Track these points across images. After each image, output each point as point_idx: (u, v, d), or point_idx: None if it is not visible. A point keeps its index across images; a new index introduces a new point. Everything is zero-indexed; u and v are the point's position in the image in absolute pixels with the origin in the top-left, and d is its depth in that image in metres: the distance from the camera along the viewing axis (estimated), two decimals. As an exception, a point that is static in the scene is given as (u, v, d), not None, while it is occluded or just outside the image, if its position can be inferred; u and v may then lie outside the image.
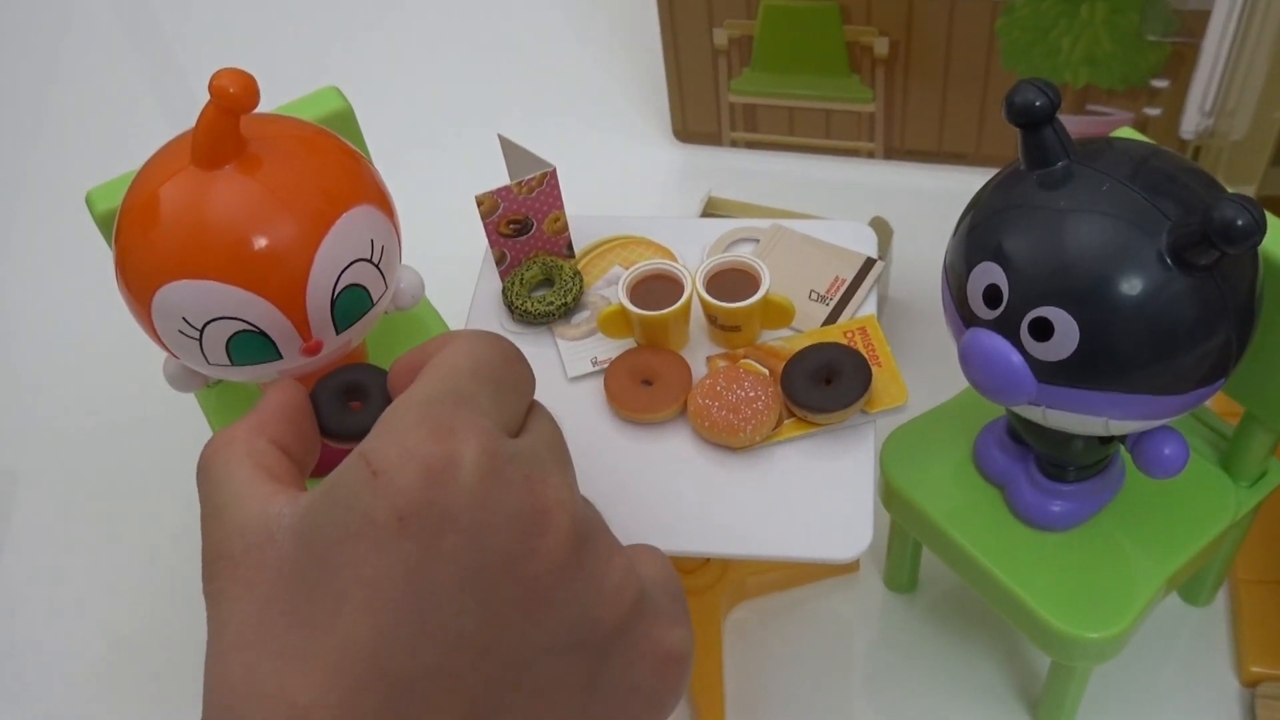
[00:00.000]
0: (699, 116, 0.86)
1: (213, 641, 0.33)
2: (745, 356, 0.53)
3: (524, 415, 0.36)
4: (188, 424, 0.67)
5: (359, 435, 0.41)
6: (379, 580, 0.31)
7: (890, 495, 0.58)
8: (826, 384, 0.50)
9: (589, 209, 0.65)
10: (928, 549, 0.60)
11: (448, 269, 0.67)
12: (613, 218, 0.60)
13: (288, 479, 0.36)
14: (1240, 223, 0.40)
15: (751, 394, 0.50)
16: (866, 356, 0.52)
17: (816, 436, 0.50)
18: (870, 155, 0.85)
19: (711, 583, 0.64)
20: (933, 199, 0.74)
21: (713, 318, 0.53)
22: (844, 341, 0.53)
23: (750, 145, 0.87)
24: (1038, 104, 0.44)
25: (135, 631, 0.69)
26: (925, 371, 0.65)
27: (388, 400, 0.41)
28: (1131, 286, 0.43)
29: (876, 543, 0.67)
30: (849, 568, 0.68)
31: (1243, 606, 0.63)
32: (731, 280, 0.53)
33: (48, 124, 1.03)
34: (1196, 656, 0.63)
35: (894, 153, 0.84)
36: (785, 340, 0.54)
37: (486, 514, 0.31)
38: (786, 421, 0.51)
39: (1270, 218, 0.49)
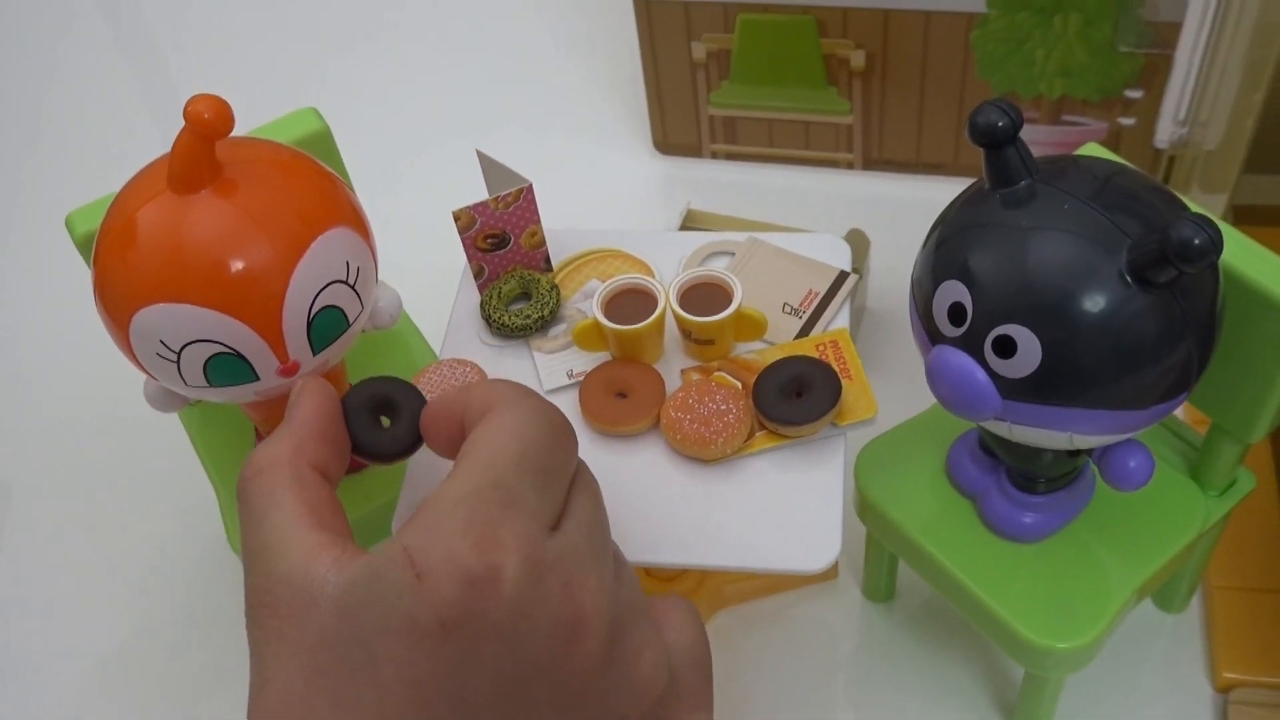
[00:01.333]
0: (679, 129, 0.87)
1: (255, 697, 0.34)
2: (719, 369, 0.54)
3: (566, 494, 0.36)
4: (179, 433, 0.68)
5: (387, 456, 0.42)
6: (419, 680, 0.32)
7: (864, 507, 0.58)
8: (797, 397, 0.51)
9: (572, 220, 0.66)
10: (903, 560, 0.60)
11: (431, 282, 0.68)
12: (590, 231, 0.61)
13: (328, 516, 0.37)
14: (1197, 241, 0.41)
15: (723, 407, 0.50)
16: (837, 369, 0.52)
17: (787, 449, 0.51)
18: (849, 166, 0.86)
19: (690, 590, 0.64)
20: (912, 209, 0.74)
21: (686, 331, 0.54)
22: (815, 354, 0.53)
23: (730, 157, 0.88)
24: (1000, 124, 0.45)
25: (129, 641, 0.70)
26: (903, 382, 0.65)
27: (416, 425, 0.42)
28: (1092, 304, 0.43)
29: (854, 552, 0.68)
30: (828, 576, 0.68)
31: (1216, 613, 0.63)
32: (705, 294, 0.53)
33: (36, 141, 1.03)
34: (1171, 663, 0.64)
35: (873, 163, 0.85)
36: (758, 353, 0.54)
37: (526, 624, 0.32)
38: (758, 434, 0.51)
39: (1232, 231, 0.50)
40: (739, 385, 0.53)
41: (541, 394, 0.54)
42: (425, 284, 0.69)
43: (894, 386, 0.64)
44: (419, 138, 0.96)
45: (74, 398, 0.82)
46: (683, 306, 0.53)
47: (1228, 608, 0.64)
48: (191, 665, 0.68)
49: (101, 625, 0.71)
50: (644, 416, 0.52)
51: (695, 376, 0.53)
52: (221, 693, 0.67)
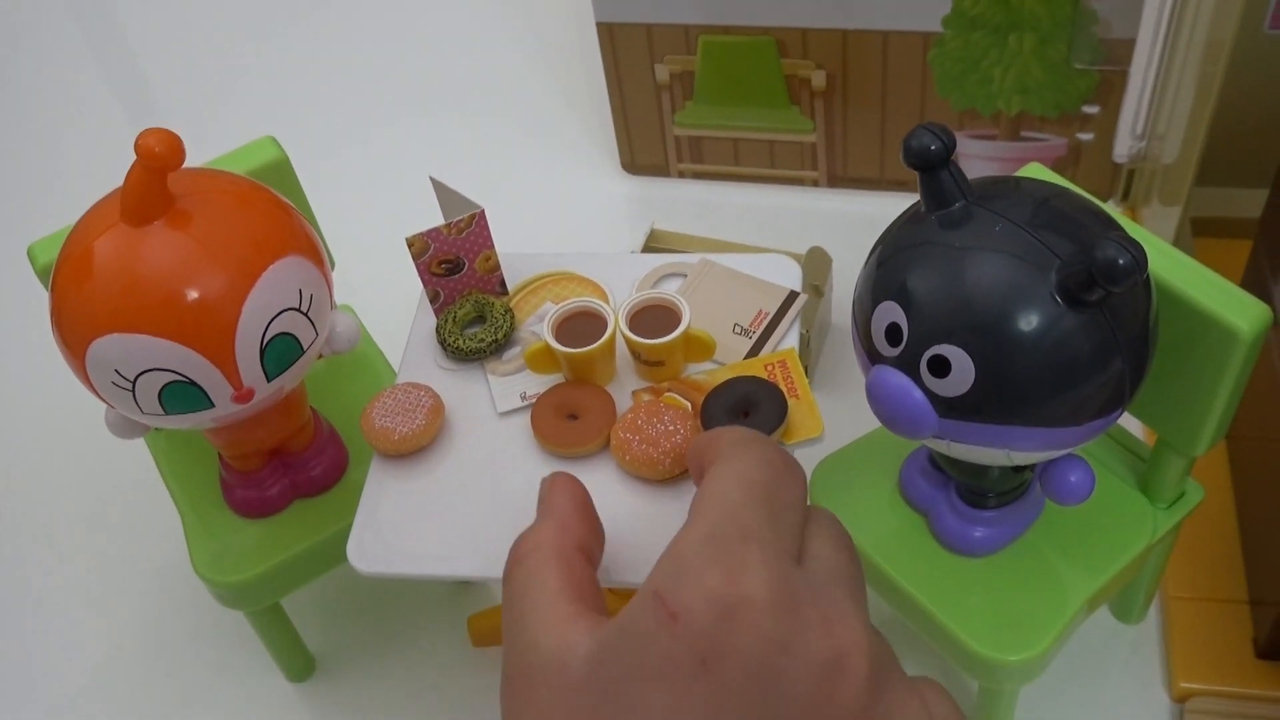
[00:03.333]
0: (646, 149, 0.88)
1: None
2: (669, 390, 0.54)
3: (802, 528, 0.36)
4: (147, 458, 0.68)
5: None
6: None
7: (819, 522, 0.59)
8: (744, 417, 0.51)
9: (542, 240, 0.66)
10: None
11: (395, 306, 0.69)
12: (546, 254, 0.61)
13: (589, 593, 0.36)
14: (1121, 262, 0.42)
15: (671, 427, 0.51)
16: (785, 389, 0.53)
17: (735, 469, 0.52)
18: (815, 184, 0.87)
19: (653, 609, 0.65)
20: (877, 226, 0.75)
21: (636, 353, 0.54)
22: (764, 374, 0.54)
23: (697, 176, 0.89)
24: (933, 148, 0.46)
25: (99, 660, 0.71)
26: (865, 396, 0.66)
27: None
28: (1024, 324, 0.44)
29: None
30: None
31: (1173, 623, 0.64)
32: (654, 316, 0.54)
33: (1, 170, 1.04)
34: (1129, 673, 0.64)
35: (837, 181, 0.86)
36: (708, 374, 0.55)
37: (785, 658, 0.31)
38: (707, 455, 0.52)
39: (1169, 248, 0.51)
40: (688, 406, 0.53)
41: (495, 418, 0.55)
42: (389, 308, 0.70)
43: (857, 401, 0.64)
44: (386, 162, 0.97)
45: (47, 423, 0.83)
46: (632, 329, 0.54)
47: (1184, 618, 0.64)
48: (158, 685, 0.69)
49: (73, 646, 0.72)
50: (594, 438, 0.52)
51: (645, 398, 0.54)
52: (187, 710, 0.68)
